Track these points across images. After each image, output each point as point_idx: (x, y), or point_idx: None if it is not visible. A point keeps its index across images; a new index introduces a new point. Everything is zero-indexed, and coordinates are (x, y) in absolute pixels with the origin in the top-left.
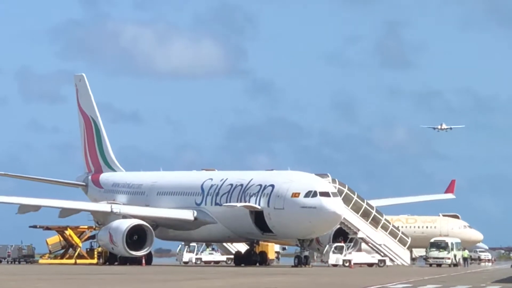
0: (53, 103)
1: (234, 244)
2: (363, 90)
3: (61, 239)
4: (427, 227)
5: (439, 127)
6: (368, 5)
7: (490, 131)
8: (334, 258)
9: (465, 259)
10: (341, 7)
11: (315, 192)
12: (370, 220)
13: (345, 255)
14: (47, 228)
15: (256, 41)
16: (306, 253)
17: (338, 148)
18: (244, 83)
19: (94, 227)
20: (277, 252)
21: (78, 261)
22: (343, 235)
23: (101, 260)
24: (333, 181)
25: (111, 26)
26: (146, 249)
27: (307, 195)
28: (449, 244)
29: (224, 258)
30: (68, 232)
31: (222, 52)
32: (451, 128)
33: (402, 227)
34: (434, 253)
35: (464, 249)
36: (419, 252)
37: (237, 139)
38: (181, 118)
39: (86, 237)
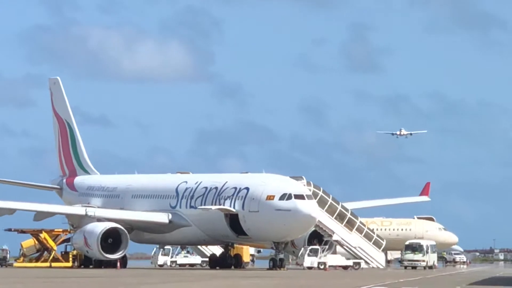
0: (22, 107)
1: (209, 247)
2: (331, 93)
3: (36, 242)
4: (402, 229)
5: (398, 133)
6: (334, 9)
7: (458, 135)
8: (309, 261)
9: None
10: (307, 11)
11: (290, 194)
12: (345, 222)
13: (320, 258)
14: (22, 232)
15: (223, 44)
16: (281, 255)
17: (309, 151)
18: (212, 87)
19: (69, 230)
20: (252, 255)
21: (53, 264)
22: (318, 237)
23: (76, 263)
24: (308, 183)
25: (78, 31)
26: (121, 252)
27: (282, 197)
28: (424, 247)
29: (199, 261)
30: (43, 235)
31: (189, 56)
32: (411, 134)
33: (377, 229)
34: (409, 255)
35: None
36: (394, 254)
37: (207, 142)
38: (150, 121)
39: (61, 240)
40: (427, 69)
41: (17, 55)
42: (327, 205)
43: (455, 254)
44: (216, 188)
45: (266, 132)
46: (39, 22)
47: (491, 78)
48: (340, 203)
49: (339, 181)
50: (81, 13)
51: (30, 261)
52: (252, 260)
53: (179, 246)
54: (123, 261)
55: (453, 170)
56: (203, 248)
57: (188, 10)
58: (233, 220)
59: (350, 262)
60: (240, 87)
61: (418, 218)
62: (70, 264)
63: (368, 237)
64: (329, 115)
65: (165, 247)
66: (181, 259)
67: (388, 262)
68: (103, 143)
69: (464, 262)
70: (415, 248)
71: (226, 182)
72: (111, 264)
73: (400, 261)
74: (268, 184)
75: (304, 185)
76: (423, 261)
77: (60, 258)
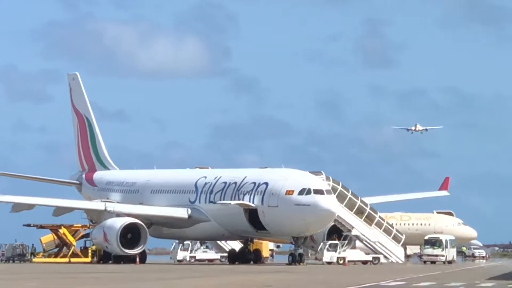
0: (39, 102)
1: (228, 242)
2: (347, 88)
3: (55, 237)
4: (421, 224)
5: (413, 128)
6: (349, 3)
7: (475, 129)
8: (328, 256)
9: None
10: (323, 6)
11: (309, 189)
12: (364, 217)
13: (339, 253)
14: (41, 227)
15: (238, 39)
16: (300, 250)
17: (326, 146)
18: (229, 82)
19: (88, 225)
20: (272, 250)
21: (72, 259)
22: (337, 232)
23: (95, 259)
24: (327, 178)
25: (94, 26)
26: (140, 248)
27: (301, 192)
28: (444, 241)
29: (218, 256)
30: (62, 230)
31: (205, 50)
32: (426, 130)
33: (396, 224)
34: (429, 250)
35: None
36: (413, 249)
37: (223, 137)
38: (166, 117)
39: (80, 235)
40: (442, 63)
41: (33, 50)
42: (346, 200)
43: (474, 248)
44: (235, 183)
45: (282, 127)
46: (55, 17)
47: (507, 72)
48: (359, 198)
49: (356, 175)
50: (97, 8)
51: (49, 256)
52: (272, 255)
53: (198, 241)
54: (142, 257)
55: (471, 164)
56: (222, 243)
57: (203, 4)
58: (252, 215)
59: (369, 257)
60: (256, 82)
61: (437, 212)
62: (89, 259)
63: (387, 232)
64: (345, 110)
65: (185, 242)
66: (200, 254)
67: (407, 257)
68: (120, 139)
69: (483, 256)
70: (435, 243)
71: (245, 177)
72: (130, 259)
73: (420, 256)
74: (287, 179)
75: (323, 180)
76: (442, 255)
77: (79, 253)
